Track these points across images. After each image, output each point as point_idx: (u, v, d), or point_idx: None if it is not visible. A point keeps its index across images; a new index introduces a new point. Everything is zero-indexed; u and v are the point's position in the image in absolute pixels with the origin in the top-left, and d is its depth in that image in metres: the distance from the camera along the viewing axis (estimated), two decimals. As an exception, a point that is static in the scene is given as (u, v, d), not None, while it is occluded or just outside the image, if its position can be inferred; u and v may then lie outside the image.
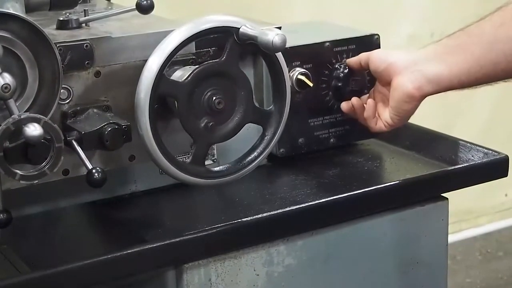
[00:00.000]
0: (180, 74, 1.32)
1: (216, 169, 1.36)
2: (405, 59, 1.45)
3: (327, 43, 1.57)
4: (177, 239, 1.28)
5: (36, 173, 1.19)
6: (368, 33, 1.62)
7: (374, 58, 1.49)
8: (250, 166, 1.37)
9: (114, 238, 1.35)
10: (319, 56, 1.56)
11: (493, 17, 1.38)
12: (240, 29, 1.29)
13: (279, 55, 1.36)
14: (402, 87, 1.42)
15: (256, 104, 1.38)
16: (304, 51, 1.54)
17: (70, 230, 1.39)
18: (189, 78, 1.29)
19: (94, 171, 1.23)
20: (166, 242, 1.27)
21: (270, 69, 1.37)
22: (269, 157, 1.56)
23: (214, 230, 1.31)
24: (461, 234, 3.33)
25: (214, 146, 1.48)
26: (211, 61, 1.32)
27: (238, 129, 1.36)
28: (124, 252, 1.24)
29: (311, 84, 1.52)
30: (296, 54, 1.53)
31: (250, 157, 1.37)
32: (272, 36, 1.25)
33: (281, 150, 1.55)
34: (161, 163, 1.30)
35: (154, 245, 1.26)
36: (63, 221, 1.40)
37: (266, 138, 1.39)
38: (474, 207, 3.33)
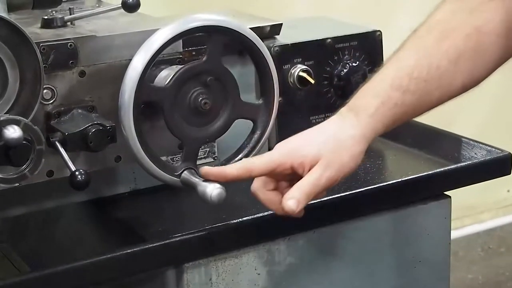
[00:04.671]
0: (166, 74, 1.30)
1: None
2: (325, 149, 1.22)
3: (329, 40, 1.56)
4: (178, 238, 1.27)
5: (16, 176, 1.17)
6: (370, 29, 1.61)
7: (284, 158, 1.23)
8: None
9: (114, 237, 1.34)
10: (320, 53, 1.55)
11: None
12: (182, 175, 1.28)
13: (266, 52, 1.34)
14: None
15: (243, 99, 1.35)
16: (305, 47, 1.53)
17: (69, 229, 1.38)
18: (171, 81, 1.27)
19: (77, 173, 1.21)
20: (166, 241, 1.26)
21: (257, 66, 1.35)
22: (270, 155, 1.55)
23: (214, 229, 1.30)
24: (463, 230, 3.31)
25: (215, 144, 1.46)
26: (192, 61, 1.29)
27: (227, 127, 1.33)
28: (124, 252, 1.23)
29: (312, 81, 1.51)
30: (298, 51, 1.52)
31: (236, 159, 1.35)
32: (210, 190, 1.21)
33: (282, 148, 1.54)
34: (146, 164, 1.28)
35: (154, 244, 1.25)
36: (62, 220, 1.39)
37: (254, 138, 1.36)
38: (476, 203, 3.32)
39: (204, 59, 1.29)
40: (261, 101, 1.36)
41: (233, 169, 1.22)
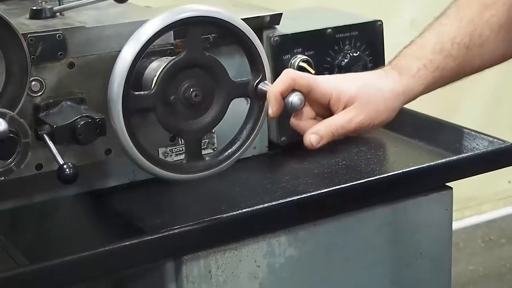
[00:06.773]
0: (157, 65, 1.29)
1: (194, 163, 1.32)
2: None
3: (329, 30, 1.54)
4: (177, 231, 1.26)
5: (2, 169, 1.16)
6: (371, 19, 1.60)
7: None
8: (229, 160, 1.33)
9: (112, 230, 1.33)
10: (321, 43, 1.54)
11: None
12: (259, 86, 1.30)
13: (257, 42, 1.32)
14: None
15: (234, 79, 1.33)
16: (305, 37, 1.52)
17: (67, 221, 1.37)
18: (155, 86, 1.25)
19: (65, 166, 1.19)
20: (165, 234, 1.25)
21: (248, 56, 1.33)
22: (270, 146, 1.55)
23: (214, 221, 1.29)
24: (464, 221, 3.31)
25: (214, 135, 1.45)
26: (173, 58, 1.27)
27: (225, 109, 1.32)
28: (123, 244, 1.22)
29: (313, 71, 1.50)
30: (298, 41, 1.51)
31: (229, 151, 1.33)
32: (291, 97, 1.23)
33: (283, 139, 1.53)
34: (135, 157, 1.26)
35: (153, 237, 1.24)
36: (60, 212, 1.38)
37: (246, 130, 1.34)
38: (477, 194, 3.31)
39: (184, 53, 1.27)
40: (251, 76, 1.34)
41: (279, 83, 1.23)
